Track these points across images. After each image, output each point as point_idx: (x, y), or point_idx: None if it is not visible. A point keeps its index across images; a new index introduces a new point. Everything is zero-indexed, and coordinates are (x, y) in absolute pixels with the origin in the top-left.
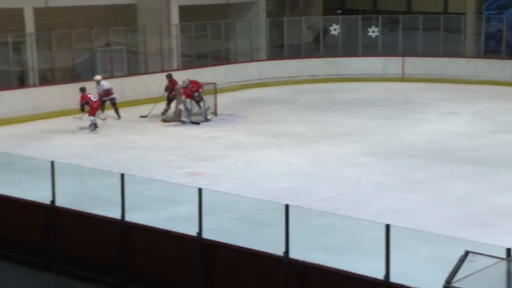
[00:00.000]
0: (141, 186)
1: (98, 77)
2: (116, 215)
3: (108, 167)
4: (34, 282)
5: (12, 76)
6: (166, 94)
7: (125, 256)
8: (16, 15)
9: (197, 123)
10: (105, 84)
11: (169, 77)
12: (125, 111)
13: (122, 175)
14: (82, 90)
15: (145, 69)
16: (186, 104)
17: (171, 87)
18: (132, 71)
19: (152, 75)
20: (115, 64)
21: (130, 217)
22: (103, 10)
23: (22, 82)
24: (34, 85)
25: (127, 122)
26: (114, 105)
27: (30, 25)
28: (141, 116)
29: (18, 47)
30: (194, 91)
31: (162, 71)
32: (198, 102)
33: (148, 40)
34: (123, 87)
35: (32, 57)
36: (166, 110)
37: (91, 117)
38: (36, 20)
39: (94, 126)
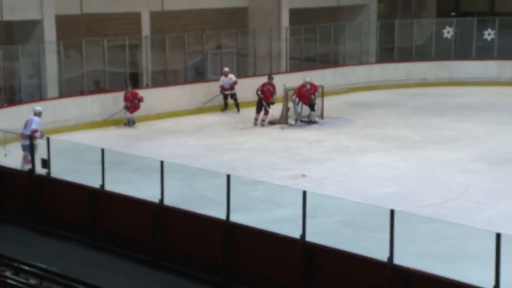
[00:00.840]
0: (247, 187)
1: (227, 69)
2: (222, 215)
3: (215, 167)
4: (141, 278)
5: (128, 77)
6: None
7: (229, 255)
8: (134, 18)
9: (315, 121)
10: (233, 77)
11: (271, 79)
12: (232, 113)
13: (228, 176)
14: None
15: (254, 71)
16: (295, 105)
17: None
18: (241, 73)
19: (261, 77)
20: (225, 66)
21: (235, 218)
22: (215, 14)
23: (136, 83)
24: (147, 87)
25: (234, 124)
26: (236, 100)
27: (146, 28)
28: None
29: (134, 49)
30: (312, 93)
31: (271, 73)
32: (312, 105)
33: (258, 43)
34: None
35: (146, 59)
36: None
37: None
38: (152, 23)
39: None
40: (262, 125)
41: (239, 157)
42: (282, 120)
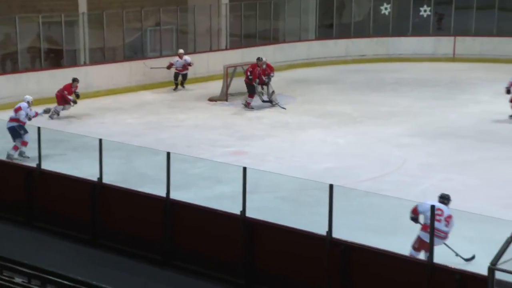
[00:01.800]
0: (187, 164)
1: (181, 50)
2: (162, 193)
3: (155, 145)
4: (79, 257)
5: (65, 55)
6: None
7: (169, 233)
8: None
9: (270, 102)
10: (188, 59)
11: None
12: (172, 91)
13: (168, 154)
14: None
15: (194, 48)
16: (256, 85)
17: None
18: None
19: (200, 54)
20: (164, 43)
21: (175, 195)
22: None
23: (73, 61)
24: (84, 64)
25: (174, 101)
26: (185, 79)
27: (83, 5)
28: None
29: (71, 26)
30: (267, 74)
31: (210, 50)
32: (264, 85)
33: (197, 20)
34: None
35: (84, 36)
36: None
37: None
38: (89, 0)
39: (57, 114)
40: (252, 107)
41: (179, 134)
42: (222, 97)
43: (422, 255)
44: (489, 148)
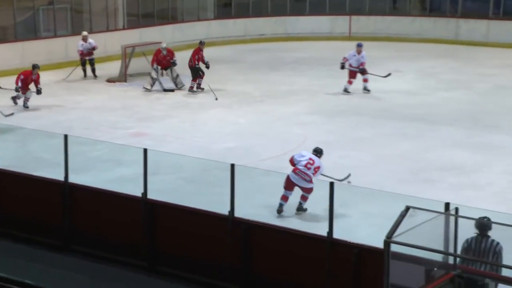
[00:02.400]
0: (85, 147)
1: (85, 33)
2: (60, 177)
3: (52, 128)
4: None
5: None
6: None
7: (68, 217)
8: None
9: (172, 90)
10: (93, 42)
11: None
12: (67, 72)
13: (66, 136)
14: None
15: (90, 28)
16: (158, 72)
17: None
18: (76, 31)
19: (97, 34)
20: (58, 23)
21: (74, 179)
22: None
23: None
24: None
25: (70, 82)
26: (93, 64)
27: None
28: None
29: None
30: (169, 59)
31: (107, 30)
32: (167, 69)
33: None
34: (67, 47)
35: None
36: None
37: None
38: None
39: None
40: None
41: (77, 116)
42: (121, 78)
43: (290, 194)
44: (384, 124)
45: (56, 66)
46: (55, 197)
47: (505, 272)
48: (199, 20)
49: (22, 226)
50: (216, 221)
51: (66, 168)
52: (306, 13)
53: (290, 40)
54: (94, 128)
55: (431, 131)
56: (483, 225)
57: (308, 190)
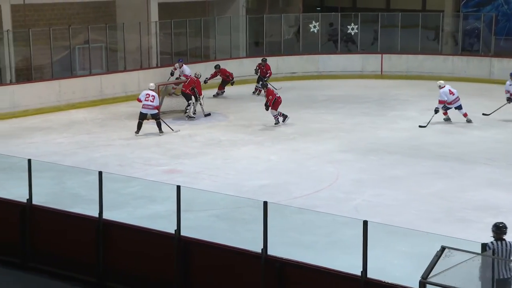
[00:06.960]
0: (119, 184)
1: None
2: (94, 213)
3: (86, 165)
4: (10, 281)
5: None
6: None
7: (103, 254)
8: None
9: (209, 114)
10: (187, 69)
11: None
12: (103, 109)
13: (100, 173)
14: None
15: (124, 66)
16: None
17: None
18: (111, 69)
19: (131, 72)
20: (93, 61)
21: (108, 215)
22: (82, 7)
23: None
24: (11, 83)
25: (105, 120)
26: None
27: (7, 22)
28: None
29: None
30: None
31: (141, 68)
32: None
33: (127, 37)
34: (101, 85)
35: (9, 54)
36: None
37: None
38: (14, 17)
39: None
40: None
41: (111, 153)
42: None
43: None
44: (417, 163)
45: (91, 103)
46: (90, 233)
47: None
48: (231, 58)
49: (57, 262)
50: (249, 258)
51: (101, 204)
52: (337, 51)
53: (322, 78)
54: (128, 165)
55: (465, 170)
56: (500, 228)
57: None
